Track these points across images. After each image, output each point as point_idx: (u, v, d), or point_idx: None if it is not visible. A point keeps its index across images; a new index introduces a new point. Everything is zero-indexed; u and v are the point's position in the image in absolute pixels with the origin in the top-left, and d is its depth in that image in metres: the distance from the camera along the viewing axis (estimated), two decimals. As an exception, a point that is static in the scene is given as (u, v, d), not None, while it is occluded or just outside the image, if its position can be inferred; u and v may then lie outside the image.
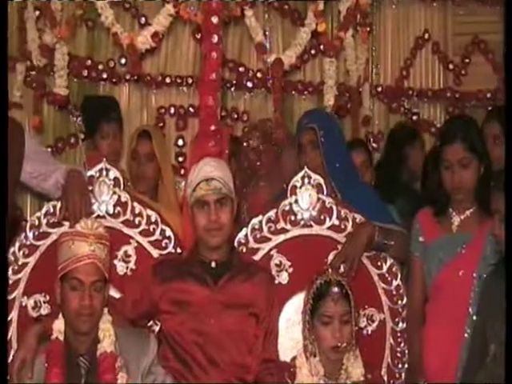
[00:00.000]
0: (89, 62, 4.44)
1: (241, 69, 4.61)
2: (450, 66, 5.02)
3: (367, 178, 3.81)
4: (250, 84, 4.61)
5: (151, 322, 2.93)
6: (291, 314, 2.95)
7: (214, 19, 3.21)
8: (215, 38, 3.21)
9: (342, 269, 2.91)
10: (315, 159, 3.22)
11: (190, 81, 4.52)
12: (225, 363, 2.72)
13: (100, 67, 4.44)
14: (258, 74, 4.60)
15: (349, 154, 3.43)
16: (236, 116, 4.60)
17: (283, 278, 3.00)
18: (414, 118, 4.91)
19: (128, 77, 4.45)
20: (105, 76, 4.44)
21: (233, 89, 4.63)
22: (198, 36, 4.28)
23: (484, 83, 5.05)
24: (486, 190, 2.77)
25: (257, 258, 3.01)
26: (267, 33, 3.89)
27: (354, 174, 3.34)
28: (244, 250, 3.00)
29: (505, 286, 2.52)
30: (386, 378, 3.00)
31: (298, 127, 3.39)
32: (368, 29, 4.54)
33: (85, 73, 4.42)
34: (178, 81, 4.54)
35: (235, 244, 2.98)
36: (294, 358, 2.79)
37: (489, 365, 2.55)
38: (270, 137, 3.94)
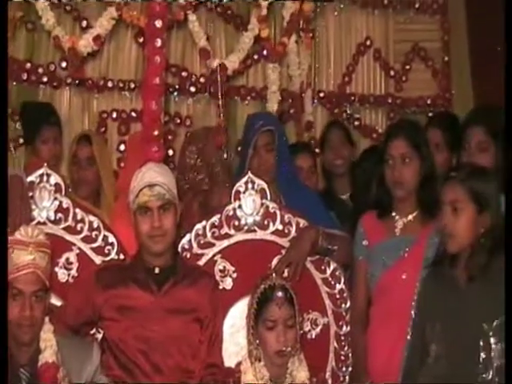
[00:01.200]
0: (28, 65, 4.34)
1: (184, 73, 4.59)
2: (391, 73, 5.09)
3: (313, 183, 3.84)
4: (193, 89, 4.58)
5: (94, 330, 2.89)
6: (235, 319, 2.96)
7: (158, 23, 3.19)
8: (159, 42, 3.19)
9: (286, 273, 2.91)
10: (269, 161, 3.25)
11: (132, 85, 4.47)
12: (169, 369, 2.71)
13: (40, 71, 4.34)
14: (201, 79, 4.58)
15: (292, 158, 3.46)
16: (179, 121, 4.57)
17: (227, 283, 3.00)
18: (356, 123, 4.97)
19: (69, 81, 4.37)
20: (45, 80, 4.36)
21: (176, 93, 4.59)
22: (141, 40, 4.24)
23: (424, 90, 5.13)
24: (429, 193, 2.81)
25: (201, 263, 3.00)
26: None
27: (298, 178, 3.37)
28: (188, 256, 2.99)
29: (443, 286, 2.56)
30: (330, 382, 3.04)
31: (249, 129, 3.38)
32: (311, 35, 4.58)
33: (24, 76, 4.32)
34: (121, 85, 4.48)
35: (179, 249, 2.96)
36: (238, 363, 2.79)
37: (430, 365, 2.58)
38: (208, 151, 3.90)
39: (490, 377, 2.47)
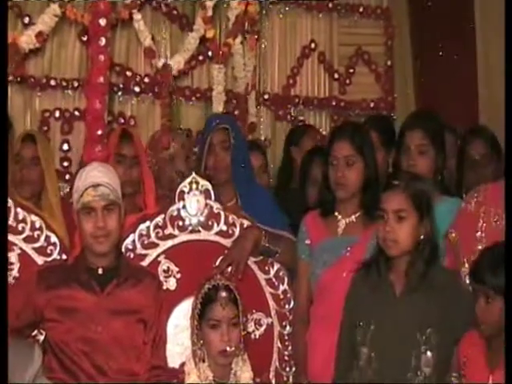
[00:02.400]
0: (-33, 61, 4.26)
1: (128, 73, 4.55)
2: (335, 76, 5.15)
3: (264, 181, 3.86)
4: (137, 89, 4.55)
5: (36, 332, 2.84)
6: (179, 320, 2.94)
7: (102, 21, 3.17)
8: (103, 41, 3.16)
9: (227, 272, 2.92)
10: (224, 160, 3.24)
11: (75, 84, 4.42)
12: (112, 371, 2.68)
13: (-20, 68, 4.27)
14: (146, 79, 4.56)
15: (249, 158, 3.47)
16: (123, 121, 4.54)
17: (171, 283, 2.99)
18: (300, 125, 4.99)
19: (10, 78, 4.30)
20: (-16, 77, 4.27)
21: (120, 93, 4.56)
22: (85, 38, 4.20)
23: (367, 93, 5.21)
24: (371, 195, 2.85)
25: (144, 263, 2.98)
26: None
27: (253, 178, 3.38)
28: (131, 256, 2.97)
29: (378, 289, 2.59)
30: (274, 382, 3.04)
31: (205, 128, 3.38)
32: (256, 37, 4.59)
33: (-37, 72, 4.23)
34: (64, 83, 4.42)
35: (122, 250, 2.93)
36: (182, 364, 2.79)
37: (361, 369, 2.60)
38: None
39: None
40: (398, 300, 2.59)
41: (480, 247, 2.70)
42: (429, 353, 2.51)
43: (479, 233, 2.75)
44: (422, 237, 2.59)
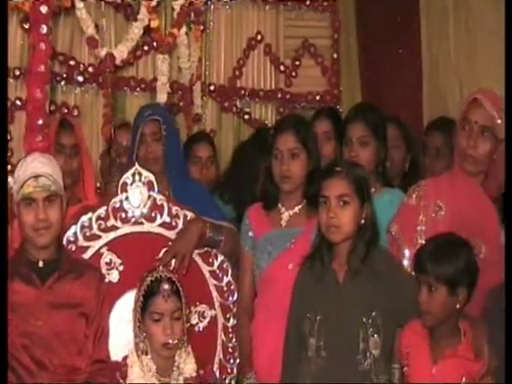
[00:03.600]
0: None
1: (71, 62, 4.48)
2: (282, 68, 5.15)
3: (211, 173, 3.86)
4: (80, 78, 4.48)
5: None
6: (122, 313, 2.91)
7: (43, 9, 3.11)
8: (44, 29, 3.10)
9: (172, 265, 2.90)
10: (156, 151, 3.23)
11: (17, 72, 4.33)
12: (53, 366, 2.65)
13: None
14: (90, 69, 4.49)
15: (181, 151, 3.45)
16: (66, 111, 4.47)
17: (113, 276, 2.96)
18: (246, 117, 4.99)
19: None
20: None
21: (63, 83, 4.49)
22: (27, 26, 4.11)
23: (313, 85, 5.22)
24: (315, 186, 2.86)
25: (86, 256, 2.95)
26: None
27: (186, 171, 3.37)
28: (73, 249, 2.93)
29: (322, 280, 2.60)
30: (218, 374, 3.04)
31: (138, 118, 3.35)
32: (201, 27, 4.57)
33: None
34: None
35: (64, 242, 2.89)
36: (125, 357, 2.77)
37: (311, 359, 2.61)
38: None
39: (368, 366, 2.54)
40: (341, 287, 2.61)
41: (420, 241, 2.74)
42: (376, 335, 2.54)
43: (420, 226, 2.79)
44: (362, 221, 2.61)
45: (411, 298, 2.52)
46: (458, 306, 2.47)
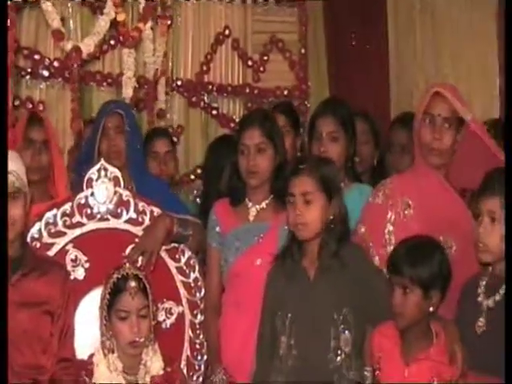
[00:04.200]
0: None
1: (36, 56, 4.43)
2: (249, 63, 5.15)
3: (170, 169, 3.83)
4: (46, 73, 4.43)
5: None
6: (88, 311, 2.87)
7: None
8: (7, 22, 3.04)
9: (139, 262, 2.87)
10: (119, 144, 3.22)
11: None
12: (18, 366, 2.60)
13: None
14: (56, 63, 4.44)
15: (142, 147, 3.42)
16: (31, 106, 4.41)
17: (79, 273, 2.92)
18: (214, 112, 4.98)
19: None
20: None
21: (28, 77, 4.43)
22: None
23: (281, 80, 5.23)
24: (281, 180, 2.85)
25: (51, 253, 2.90)
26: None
27: (146, 166, 3.35)
28: (38, 246, 2.88)
29: (292, 278, 2.59)
30: (185, 371, 3.00)
31: (100, 112, 3.34)
32: (168, 22, 4.54)
33: None
34: (-33, 67, 4.26)
35: (28, 239, 2.84)
36: (91, 355, 2.73)
37: (282, 357, 2.59)
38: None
39: (340, 363, 2.53)
40: (311, 284, 2.59)
41: (390, 241, 2.74)
42: (347, 332, 2.53)
43: (389, 225, 2.78)
44: (331, 217, 2.59)
45: (383, 293, 2.52)
46: (431, 309, 2.47)
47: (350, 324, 2.54)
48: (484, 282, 2.49)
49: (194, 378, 3.06)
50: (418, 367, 2.45)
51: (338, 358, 2.53)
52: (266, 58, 5.21)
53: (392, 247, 2.68)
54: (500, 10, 4.41)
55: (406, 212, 2.78)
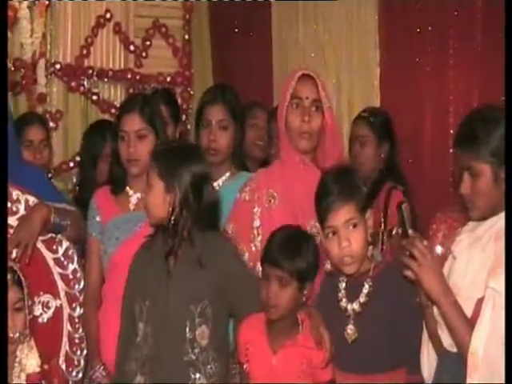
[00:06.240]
0: None
1: None
2: (131, 48, 5.06)
3: (44, 156, 3.70)
4: None
5: None
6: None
7: None
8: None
9: (14, 254, 2.73)
10: None
11: None
12: None
13: None
14: None
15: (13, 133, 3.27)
16: None
17: None
18: (94, 97, 4.85)
19: None
20: None
21: None
22: None
23: (164, 66, 5.18)
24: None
25: None
26: None
27: (20, 153, 3.20)
28: None
29: (152, 263, 2.53)
30: (64, 367, 2.90)
31: None
32: (46, 2, 4.38)
33: None
34: None
35: None
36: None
37: (139, 345, 2.52)
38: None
39: (195, 356, 2.47)
40: (170, 273, 2.51)
41: (258, 233, 2.72)
42: (204, 325, 2.48)
43: (255, 221, 2.75)
44: (170, 209, 2.48)
45: (247, 285, 2.50)
46: (304, 299, 2.48)
47: (208, 317, 2.48)
48: (343, 285, 2.47)
49: (74, 373, 2.94)
50: (286, 354, 2.44)
51: (194, 351, 2.46)
52: (148, 43, 5.12)
53: (259, 241, 2.67)
54: (380, 4, 4.51)
55: (271, 203, 2.75)
